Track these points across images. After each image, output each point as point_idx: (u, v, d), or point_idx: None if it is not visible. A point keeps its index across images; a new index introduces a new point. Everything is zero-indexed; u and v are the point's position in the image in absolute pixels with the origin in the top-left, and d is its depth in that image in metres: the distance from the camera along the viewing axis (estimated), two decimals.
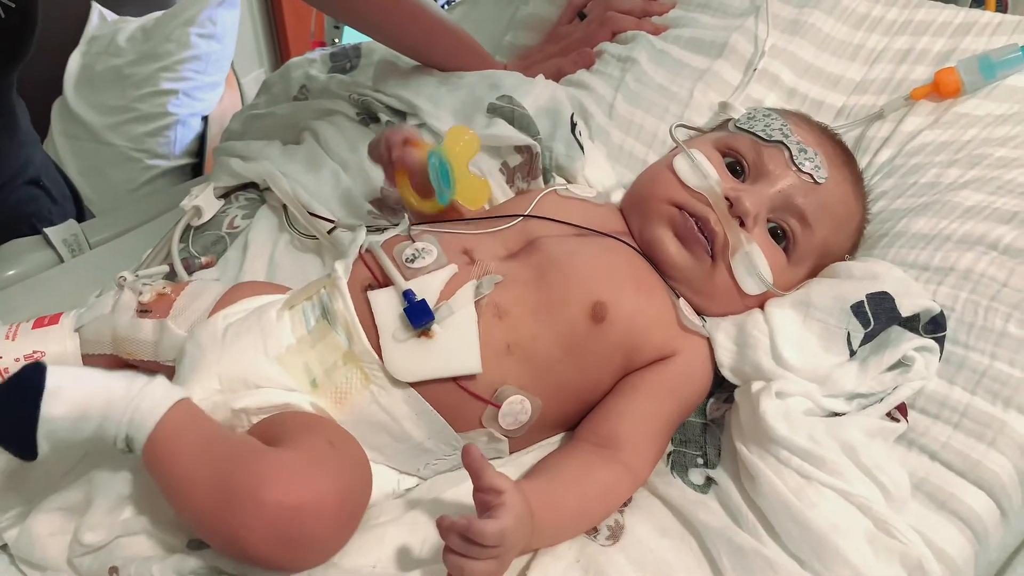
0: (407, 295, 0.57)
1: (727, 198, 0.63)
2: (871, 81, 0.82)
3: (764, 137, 0.66)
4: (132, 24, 1.84)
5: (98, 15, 1.87)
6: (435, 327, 0.56)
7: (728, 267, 0.63)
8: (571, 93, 0.86)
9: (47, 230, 0.91)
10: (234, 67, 2.05)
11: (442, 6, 1.72)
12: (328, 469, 0.50)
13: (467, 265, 0.60)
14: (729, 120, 0.71)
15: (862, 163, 0.77)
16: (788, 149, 0.65)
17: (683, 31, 0.90)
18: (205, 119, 1.89)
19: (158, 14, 1.86)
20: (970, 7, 1.11)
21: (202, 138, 1.88)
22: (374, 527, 0.54)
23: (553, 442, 0.63)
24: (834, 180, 0.66)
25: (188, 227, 0.80)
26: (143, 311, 0.63)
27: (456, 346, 0.56)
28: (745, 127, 0.68)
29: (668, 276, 0.64)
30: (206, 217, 0.80)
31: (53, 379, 0.48)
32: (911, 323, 0.59)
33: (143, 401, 0.50)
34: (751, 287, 0.63)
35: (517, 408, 0.58)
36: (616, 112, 0.84)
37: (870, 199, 0.73)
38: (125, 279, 0.65)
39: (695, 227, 0.64)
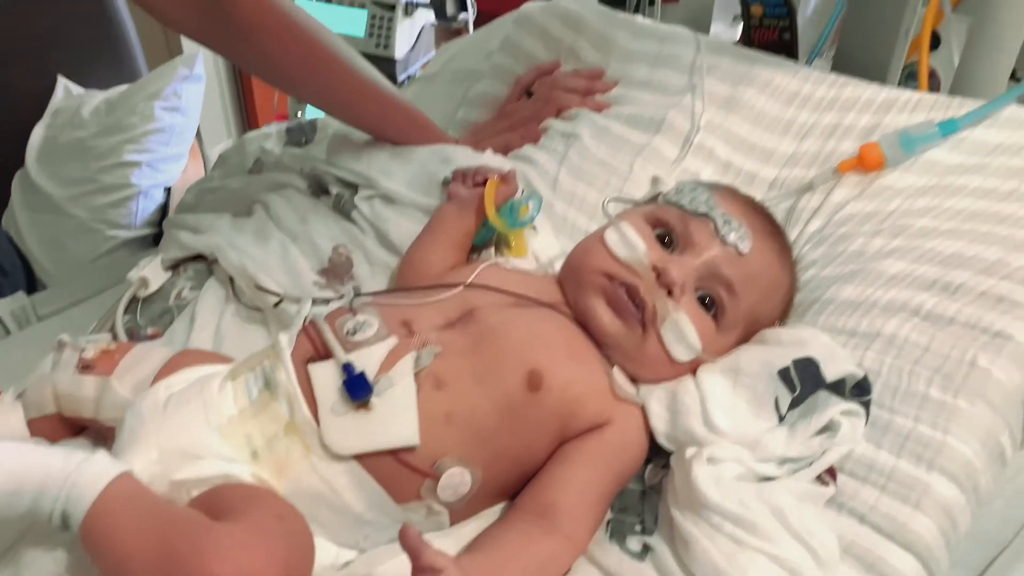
0: (347, 368, 0.58)
1: (655, 268, 0.65)
2: (802, 154, 0.86)
3: (690, 209, 0.69)
4: (97, 97, 1.86)
5: (63, 88, 1.89)
6: (374, 399, 0.57)
7: (658, 335, 0.64)
8: (517, 166, 0.89)
9: None
10: (201, 138, 2.07)
11: (400, 84, 1.77)
12: (273, 544, 0.50)
13: (407, 337, 0.61)
14: (660, 194, 0.74)
15: (793, 233, 0.80)
16: (713, 221, 0.68)
17: (624, 108, 0.94)
18: (168, 190, 1.91)
19: (123, 88, 1.88)
20: (904, 84, 1.18)
21: (164, 208, 1.89)
22: None
23: (494, 511, 0.63)
24: (759, 250, 0.68)
25: (135, 298, 0.80)
26: (85, 367, 0.63)
27: (394, 419, 0.57)
28: (673, 200, 0.70)
29: (602, 345, 0.66)
30: (153, 288, 0.80)
31: None
32: (837, 388, 0.61)
33: (81, 475, 0.50)
34: (681, 354, 0.65)
35: (456, 480, 0.58)
36: (560, 185, 0.87)
37: (801, 267, 0.75)
38: (65, 340, 0.66)
39: (626, 297, 0.65)
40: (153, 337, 0.77)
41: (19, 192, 1.81)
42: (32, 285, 1.15)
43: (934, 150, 0.80)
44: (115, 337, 0.76)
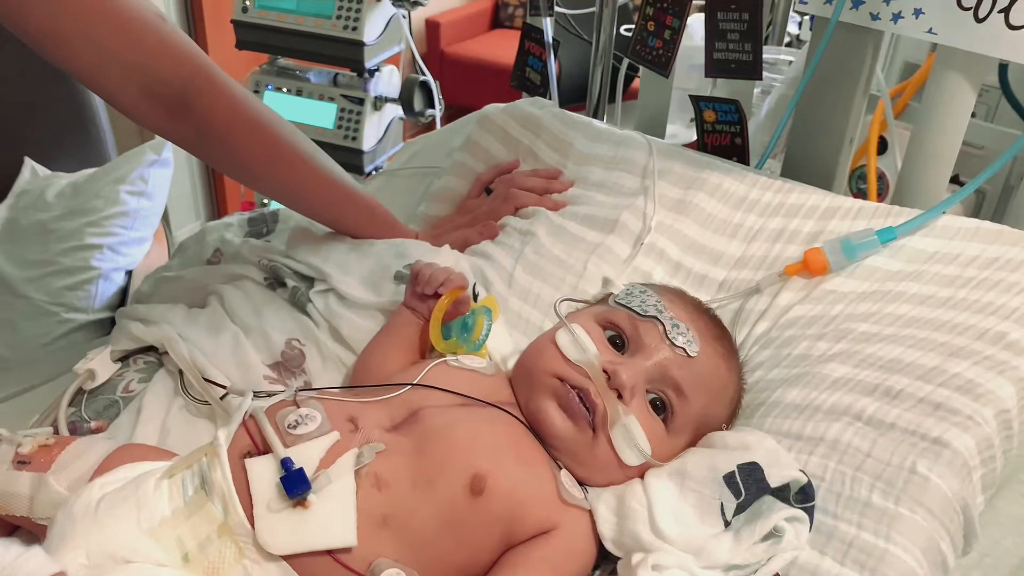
0: (284, 463, 0.57)
1: (605, 371, 0.66)
2: (750, 257, 0.89)
3: (640, 312, 0.70)
4: (63, 180, 1.87)
5: (30, 170, 1.90)
6: (311, 497, 0.56)
7: (608, 439, 0.65)
8: (474, 262, 0.90)
9: None
10: (168, 221, 2.08)
11: (366, 175, 1.80)
12: None
13: (350, 432, 0.61)
14: (610, 294, 0.75)
15: (740, 335, 0.82)
16: (662, 324, 0.69)
17: (580, 208, 0.96)
18: (129, 273, 1.90)
19: (90, 171, 1.89)
20: (854, 185, 1.23)
21: (124, 291, 1.88)
22: None
23: None
24: (706, 354, 0.69)
25: (81, 390, 0.79)
26: (21, 463, 0.61)
27: (332, 517, 0.56)
28: (623, 302, 0.72)
29: (551, 447, 0.66)
30: (100, 380, 0.79)
31: None
32: (782, 493, 0.61)
33: (16, 572, 0.48)
34: (631, 459, 0.65)
35: None
36: (515, 281, 0.88)
37: (748, 369, 0.77)
38: (2, 434, 0.64)
39: (577, 399, 0.66)
40: (96, 431, 0.75)
41: None
42: None
43: (875, 257, 0.82)
44: (56, 431, 0.74)
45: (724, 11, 1.18)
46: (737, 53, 1.17)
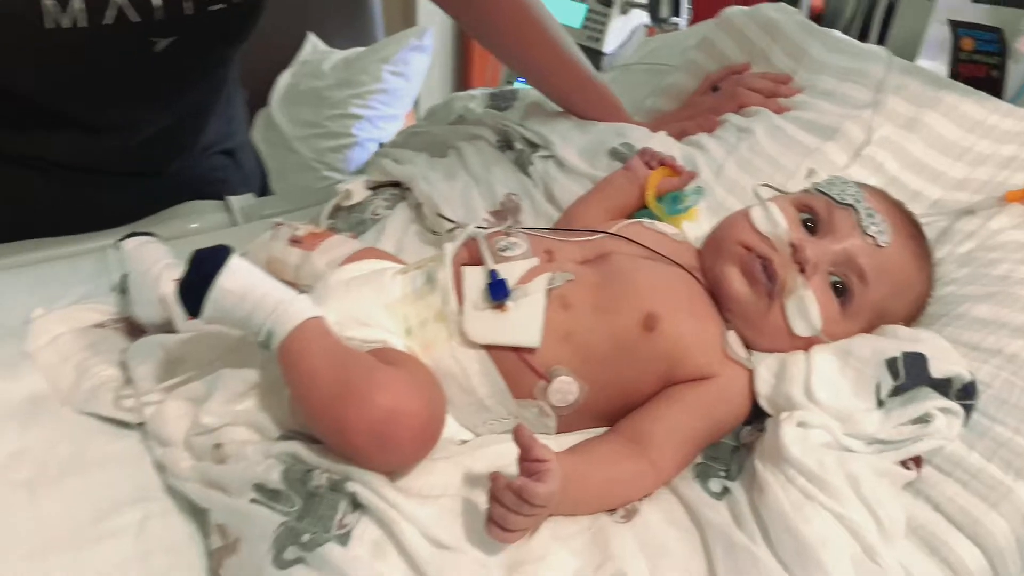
0: (492, 273, 0.68)
1: (792, 245, 0.70)
2: (971, 180, 0.87)
3: (837, 199, 0.73)
4: (337, 55, 2.11)
5: (311, 44, 2.15)
6: (509, 303, 0.67)
7: (783, 307, 0.69)
8: (687, 150, 0.95)
9: (229, 198, 1.09)
10: (418, 104, 2.28)
11: (600, 71, 1.86)
12: (423, 390, 0.61)
13: (547, 262, 0.70)
14: (812, 184, 0.78)
15: (943, 251, 0.81)
16: (857, 212, 0.71)
17: (803, 113, 0.98)
18: (381, 145, 2.11)
19: (360, 49, 2.11)
20: None
21: None
22: (435, 460, 0.64)
23: (598, 433, 0.71)
24: (896, 247, 0.71)
25: (339, 207, 0.95)
26: (294, 241, 0.78)
27: (523, 321, 0.66)
28: (823, 189, 0.75)
29: (725, 309, 0.71)
30: (355, 200, 0.95)
31: (234, 262, 0.61)
32: (942, 386, 0.64)
33: (291, 305, 0.61)
34: (800, 329, 0.69)
35: (565, 387, 0.66)
36: (724, 172, 0.92)
37: (942, 283, 0.77)
38: (282, 222, 0.81)
39: (760, 267, 0.71)
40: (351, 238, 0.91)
41: (260, 128, 2.08)
42: (263, 191, 1.34)
43: None
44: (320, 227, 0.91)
45: None
46: None
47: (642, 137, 0.95)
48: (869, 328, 0.71)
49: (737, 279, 0.71)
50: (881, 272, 0.70)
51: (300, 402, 0.62)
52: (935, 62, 1.38)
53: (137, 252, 0.79)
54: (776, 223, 0.72)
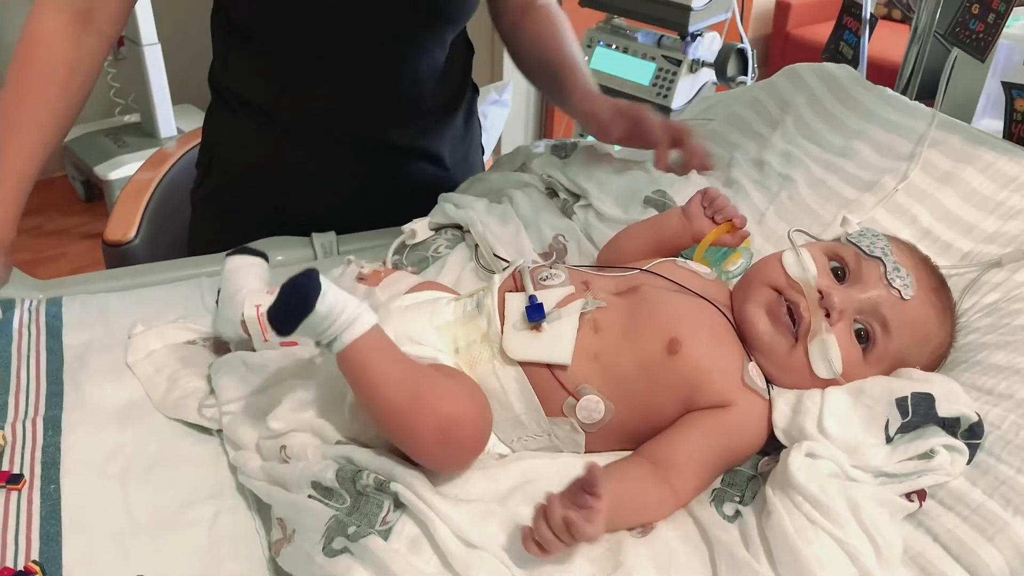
0: (531, 298, 0.76)
1: (820, 291, 0.75)
2: (1003, 234, 0.89)
3: (866, 251, 0.77)
4: None
5: None
6: (544, 324, 0.74)
7: (806, 349, 0.74)
8: (731, 193, 1.01)
9: (313, 235, 1.20)
10: (499, 153, 2.40)
11: None
12: (477, 400, 0.70)
13: (583, 291, 0.77)
14: (844, 233, 0.83)
15: (969, 302, 0.84)
16: (884, 265, 0.76)
17: (845, 163, 1.03)
18: None
19: None
20: None
21: None
22: (473, 470, 0.70)
23: (625, 455, 0.76)
24: (920, 300, 0.75)
25: (404, 244, 1.05)
26: (360, 279, 0.88)
27: (556, 341, 0.73)
28: (853, 240, 0.79)
29: (750, 347, 0.76)
30: (419, 239, 1.04)
31: (324, 284, 0.65)
32: (950, 426, 0.67)
33: (360, 315, 0.66)
34: (822, 371, 0.73)
35: (592, 405, 0.73)
36: (765, 221, 0.98)
37: (963, 331, 0.80)
38: (352, 259, 0.91)
39: (786, 310, 0.75)
40: (412, 273, 1.00)
41: None
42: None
43: None
44: (384, 265, 1.01)
45: None
46: None
47: (673, 182, 1.03)
48: (887, 374, 0.75)
49: (762, 320, 0.76)
50: (903, 323, 0.74)
51: (368, 403, 0.67)
52: (998, 121, 1.40)
53: (233, 273, 0.89)
54: (806, 268, 0.77)
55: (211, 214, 1.28)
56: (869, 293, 0.75)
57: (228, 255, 0.91)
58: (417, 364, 0.70)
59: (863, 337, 0.75)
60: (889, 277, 0.76)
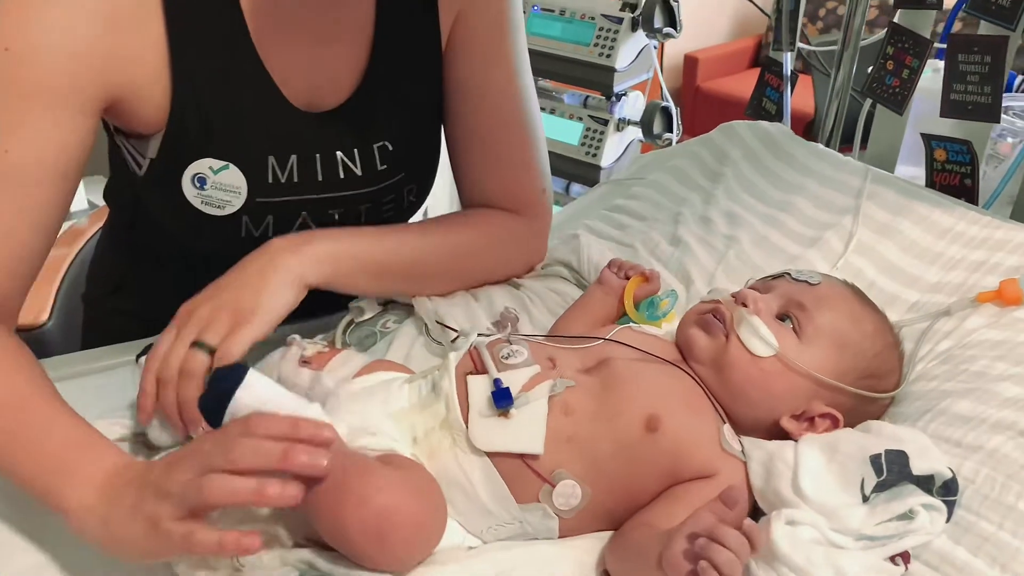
0: (496, 382, 0.72)
1: (733, 295, 0.80)
2: (945, 284, 0.92)
3: (791, 276, 0.83)
4: None
5: None
6: (513, 410, 0.70)
7: (738, 337, 0.76)
8: (678, 256, 1.01)
9: None
10: None
11: None
12: (420, 491, 0.65)
13: (549, 369, 0.75)
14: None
15: (924, 350, 0.86)
16: (789, 274, 0.83)
17: (787, 218, 1.04)
18: None
19: None
20: None
21: None
22: (445, 564, 0.66)
23: (603, 536, 0.73)
24: (829, 283, 0.82)
25: (351, 321, 1.00)
26: (304, 362, 0.82)
27: (526, 428, 0.70)
28: (778, 274, 0.85)
29: (694, 361, 0.78)
30: (366, 316, 1.00)
31: (251, 378, 0.65)
32: (925, 484, 0.67)
33: (302, 414, 0.64)
34: (760, 348, 0.75)
35: (569, 491, 0.70)
36: (715, 281, 0.99)
37: (923, 380, 0.81)
38: (295, 339, 0.86)
39: (711, 316, 0.79)
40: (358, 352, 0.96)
41: None
42: None
43: None
44: (331, 345, 0.96)
45: (965, 53, 1.20)
46: (976, 95, 1.19)
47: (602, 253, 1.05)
48: (850, 372, 0.76)
49: (698, 334, 0.79)
50: (819, 300, 0.79)
51: (303, 505, 0.64)
52: (918, 168, 1.46)
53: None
54: (721, 292, 0.82)
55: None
56: (777, 291, 0.81)
57: (138, 357, 0.84)
58: (353, 455, 0.66)
59: (786, 320, 0.78)
60: (793, 276, 0.82)
